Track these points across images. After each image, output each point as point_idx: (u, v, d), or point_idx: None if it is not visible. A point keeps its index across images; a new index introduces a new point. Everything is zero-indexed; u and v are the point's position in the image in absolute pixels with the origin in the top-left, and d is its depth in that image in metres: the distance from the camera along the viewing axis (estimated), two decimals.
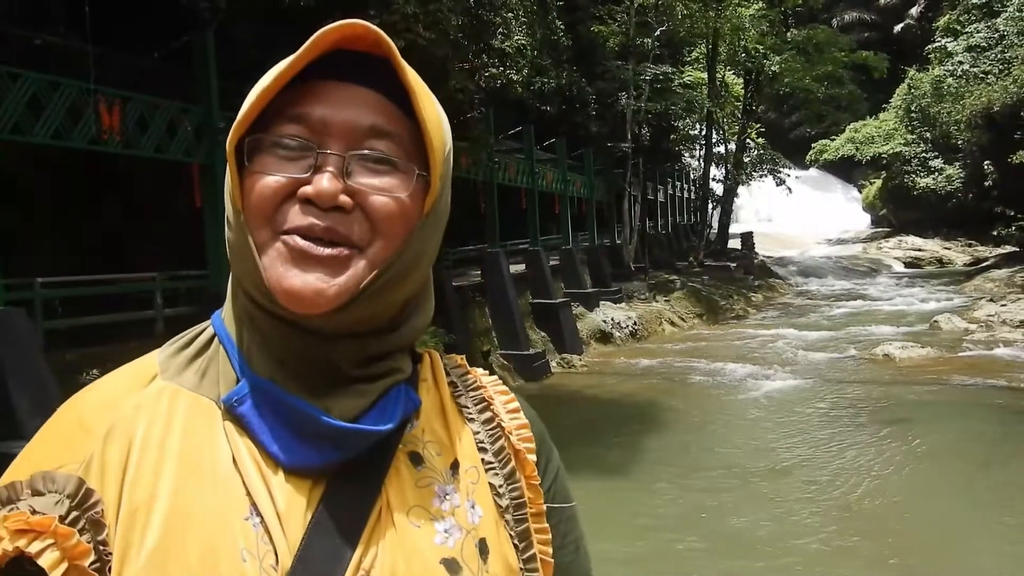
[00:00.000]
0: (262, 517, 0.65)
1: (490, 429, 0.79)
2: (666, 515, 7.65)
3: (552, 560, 0.79)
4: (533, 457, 0.80)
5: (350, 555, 0.66)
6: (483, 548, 0.72)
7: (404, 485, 0.71)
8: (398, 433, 0.73)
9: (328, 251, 0.66)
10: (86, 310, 8.62)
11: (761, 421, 11.26)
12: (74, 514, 0.63)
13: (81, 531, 0.63)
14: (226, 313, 0.74)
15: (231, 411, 0.69)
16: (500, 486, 0.77)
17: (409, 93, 0.68)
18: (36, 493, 0.64)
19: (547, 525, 0.80)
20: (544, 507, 0.80)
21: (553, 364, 15.80)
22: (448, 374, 0.82)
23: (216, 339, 0.74)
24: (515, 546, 0.76)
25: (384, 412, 0.71)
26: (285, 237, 0.67)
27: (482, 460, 0.77)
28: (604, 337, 18.32)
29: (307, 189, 0.66)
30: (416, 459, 0.73)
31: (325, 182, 0.66)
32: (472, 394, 0.82)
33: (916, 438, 9.82)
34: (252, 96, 0.67)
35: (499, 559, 0.72)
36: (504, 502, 0.76)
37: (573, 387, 14.26)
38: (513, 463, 0.79)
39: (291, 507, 0.66)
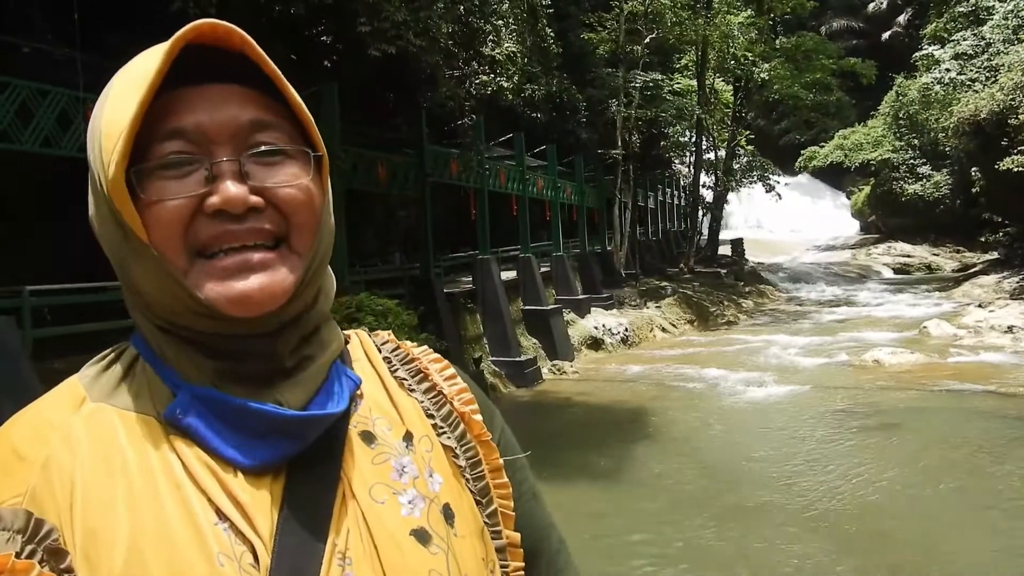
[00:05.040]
0: (230, 521, 0.64)
1: (432, 397, 0.81)
2: (656, 522, 7.64)
3: (512, 513, 0.81)
4: (479, 417, 0.81)
5: (324, 542, 0.66)
6: (448, 513, 0.73)
7: (361, 465, 0.72)
8: (346, 415, 0.73)
9: (257, 255, 0.66)
10: (75, 318, 8.55)
11: (751, 428, 11.28)
12: (29, 547, 0.61)
13: (41, 562, 0.60)
14: (143, 334, 0.72)
15: (176, 424, 0.67)
16: (455, 448, 0.78)
17: (275, 79, 0.67)
18: None
19: (506, 479, 0.81)
20: (499, 461, 0.81)
21: (544, 371, 15.78)
22: (380, 350, 0.83)
23: (140, 358, 0.72)
24: (477, 502, 0.77)
25: (330, 395, 0.71)
26: (211, 257, 0.65)
27: (433, 426, 0.79)
28: (595, 343, 18.33)
29: (213, 200, 0.65)
30: (368, 437, 0.74)
31: (231, 188, 0.65)
32: (407, 367, 0.83)
33: (906, 444, 9.85)
34: (120, 125, 0.63)
35: (464, 521, 0.74)
36: (461, 462, 0.78)
37: (565, 394, 14.24)
38: (463, 425, 0.80)
39: (256, 506, 0.66)
